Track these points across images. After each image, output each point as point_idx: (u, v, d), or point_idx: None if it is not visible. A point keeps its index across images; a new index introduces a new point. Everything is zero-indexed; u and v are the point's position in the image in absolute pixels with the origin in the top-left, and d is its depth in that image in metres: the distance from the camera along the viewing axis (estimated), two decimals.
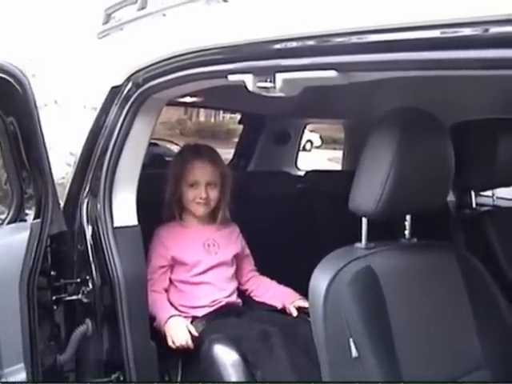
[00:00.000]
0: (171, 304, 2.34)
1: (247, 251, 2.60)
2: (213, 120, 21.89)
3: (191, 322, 2.28)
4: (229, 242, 2.49)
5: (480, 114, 2.66)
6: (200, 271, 2.38)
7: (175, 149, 4.40)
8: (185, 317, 2.30)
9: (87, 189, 2.08)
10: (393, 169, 1.42)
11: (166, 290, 2.37)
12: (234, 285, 2.46)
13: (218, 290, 2.38)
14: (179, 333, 2.19)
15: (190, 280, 2.36)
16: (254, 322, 2.24)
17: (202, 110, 19.26)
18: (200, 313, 2.32)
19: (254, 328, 2.16)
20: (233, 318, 2.31)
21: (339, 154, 4.21)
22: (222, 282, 2.41)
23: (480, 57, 0.97)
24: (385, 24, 1.09)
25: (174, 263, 2.38)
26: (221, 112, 18.28)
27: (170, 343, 2.17)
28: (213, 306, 2.35)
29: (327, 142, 18.05)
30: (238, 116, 4.29)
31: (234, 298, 2.43)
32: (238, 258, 2.53)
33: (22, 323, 1.79)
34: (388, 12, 1.09)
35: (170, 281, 2.39)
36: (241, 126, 4.23)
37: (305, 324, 1.96)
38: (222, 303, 2.36)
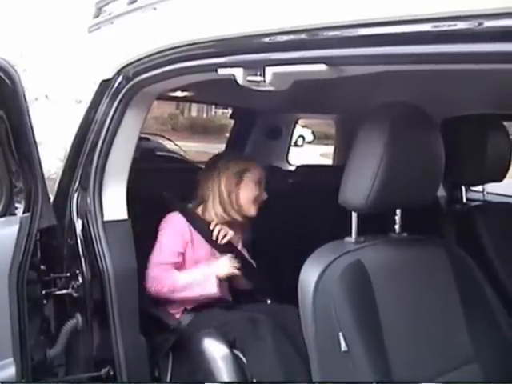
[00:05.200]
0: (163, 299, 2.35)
1: None
2: (205, 115, 21.86)
3: (181, 314, 2.29)
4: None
5: (471, 109, 2.67)
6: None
7: (167, 144, 4.38)
8: (177, 311, 2.30)
9: (77, 183, 2.08)
10: (383, 163, 1.41)
11: None
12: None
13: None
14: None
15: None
16: (242, 311, 2.26)
17: (193, 105, 19.21)
18: (190, 305, 2.32)
19: (242, 315, 2.18)
20: (221, 310, 2.31)
21: (331, 149, 4.21)
22: None
23: (473, 51, 0.97)
24: (375, 17, 1.09)
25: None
26: (213, 107, 18.27)
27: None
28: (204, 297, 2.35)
29: (319, 138, 18.05)
30: (230, 111, 4.28)
31: (223, 293, 2.42)
32: None
33: (12, 317, 1.79)
34: (378, 5, 1.09)
35: None
36: (232, 122, 4.23)
37: (292, 313, 1.97)
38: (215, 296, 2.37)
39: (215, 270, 2.29)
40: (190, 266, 2.35)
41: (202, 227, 2.40)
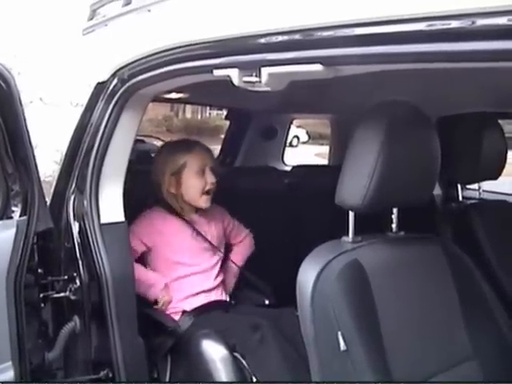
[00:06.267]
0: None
1: (232, 225, 2.65)
2: (199, 116, 21.89)
3: (181, 316, 2.29)
4: (211, 226, 2.51)
5: (466, 107, 2.68)
6: (187, 260, 2.39)
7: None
8: (174, 312, 2.31)
9: (73, 185, 2.08)
10: (379, 162, 1.41)
11: None
12: (219, 275, 2.48)
13: (205, 278, 2.40)
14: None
15: (176, 274, 2.38)
16: (242, 315, 2.25)
17: (188, 107, 19.27)
18: (188, 306, 2.33)
19: (243, 320, 2.17)
20: (221, 312, 2.32)
21: (326, 149, 4.22)
22: (209, 269, 2.43)
23: (467, 49, 0.97)
24: (370, 17, 1.09)
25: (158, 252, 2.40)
26: (207, 108, 18.30)
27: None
28: (199, 294, 2.37)
29: (314, 138, 18.08)
30: (225, 112, 4.29)
31: (219, 294, 2.43)
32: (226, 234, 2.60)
33: (10, 321, 1.78)
34: (373, 5, 1.09)
35: None
36: (227, 123, 4.23)
37: (292, 317, 1.97)
38: (211, 297, 2.37)
39: (158, 293, 2.32)
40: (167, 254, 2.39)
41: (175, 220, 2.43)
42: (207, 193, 2.39)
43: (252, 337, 2.08)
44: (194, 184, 2.38)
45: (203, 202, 2.40)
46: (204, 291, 2.38)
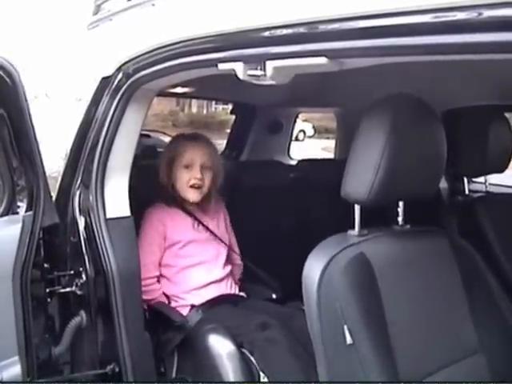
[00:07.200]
0: (167, 297, 2.37)
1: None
2: (205, 111, 21.90)
3: (189, 311, 2.29)
4: (212, 217, 2.53)
5: (473, 100, 2.66)
6: (190, 251, 2.41)
7: (168, 140, 4.39)
8: (182, 305, 2.31)
9: (79, 180, 2.08)
10: (385, 155, 1.41)
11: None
12: (227, 265, 2.49)
13: (211, 268, 2.42)
14: None
15: (182, 264, 2.39)
16: (251, 313, 2.25)
17: (194, 102, 19.29)
18: (198, 299, 2.33)
19: (253, 318, 2.17)
20: (230, 308, 2.32)
21: (333, 143, 4.21)
22: (213, 259, 2.44)
23: (473, 41, 0.96)
24: (375, 9, 1.09)
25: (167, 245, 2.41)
26: (213, 103, 18.29)
27: None
28: (209, 286, 2.38)
29: (320, 132, 18.05)
30: (231, 107, 4.29)
31: (229, 286, 2.45)
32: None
33: (16, 316, 1.79)
34: None
35: (161, 275, 2.41)
36: (233, 117, 4.23)
37: (301, 315, 1.97)
38: (221, 288, 2.39)
39: None
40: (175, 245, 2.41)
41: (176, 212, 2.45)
42: (194, 187, 2.41)
43: (261, 335, 2.08)
44: (180, 176, 2.41)
45: (190, 194, 2.42)
46: (213, 282, 2.39)
